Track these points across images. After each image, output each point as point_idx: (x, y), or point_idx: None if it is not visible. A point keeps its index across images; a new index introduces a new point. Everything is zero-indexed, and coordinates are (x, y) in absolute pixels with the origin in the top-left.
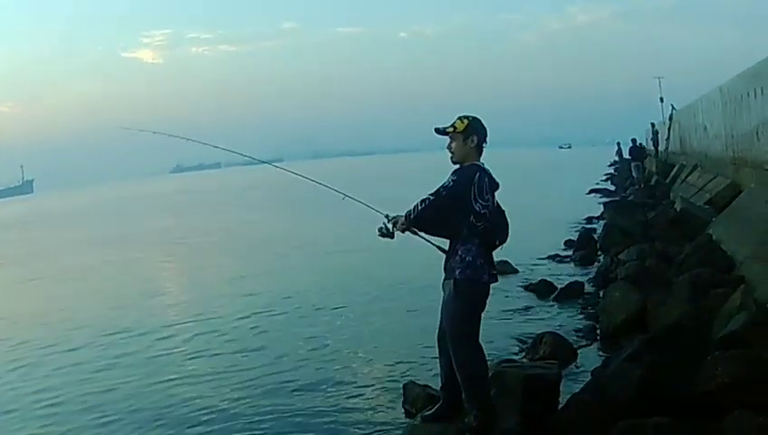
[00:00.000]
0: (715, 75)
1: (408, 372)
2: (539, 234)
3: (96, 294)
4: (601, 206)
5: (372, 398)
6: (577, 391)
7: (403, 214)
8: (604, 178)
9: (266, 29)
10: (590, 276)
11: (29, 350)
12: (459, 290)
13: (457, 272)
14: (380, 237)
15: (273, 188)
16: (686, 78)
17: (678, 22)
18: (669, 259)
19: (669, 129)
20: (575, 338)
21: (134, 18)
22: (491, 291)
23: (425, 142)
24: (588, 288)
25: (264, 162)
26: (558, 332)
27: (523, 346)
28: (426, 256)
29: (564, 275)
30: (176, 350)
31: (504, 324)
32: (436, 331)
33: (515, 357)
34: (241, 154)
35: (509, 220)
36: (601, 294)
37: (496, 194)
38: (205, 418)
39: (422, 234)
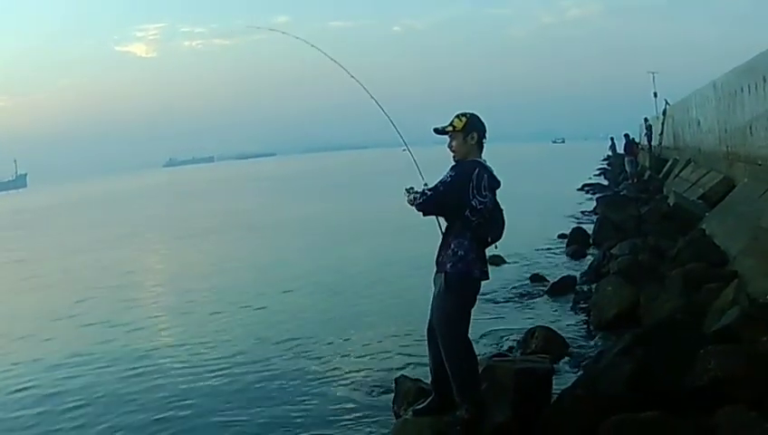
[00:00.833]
0: (709, 70)
1: (399, 366)
2: (532, 228)
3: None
4: (594, 200)
5: (364, 391)
6: (569, 385)
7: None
8: (597, 172)
9: (259, 23)
10: (583, 270)
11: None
12: (450, 284)
13: (448, 265)
14: (406, 199)
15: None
16: (679, 73)
17: (672, 17)
18: (662, 254)
19: (663, 123)
20: (567, 332)
21: (127, 12)
22: (483, 284)
23: (419, 136)
24: (580, 282)
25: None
26: (550, 326)
27: (515, 340)
28: (419, 247)
29: (557, 269)
30: (156, 339)
31: (496, 318)
32: (427, 324)
33: (507, 351)
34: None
35: (506, 219)
36: (594, 289)
37: (497, 192)
38: (187, 411)
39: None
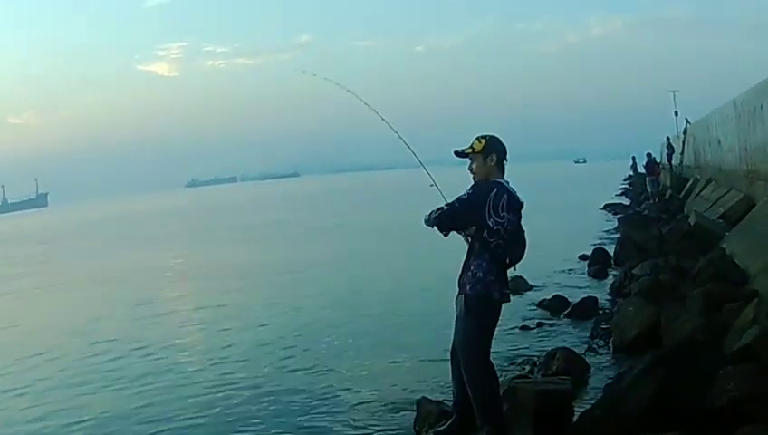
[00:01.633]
0: (730, 88)
1: (421, 388)
2: (553, 248)
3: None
4: (616, 220)
5: (385, 413)
6: (589, 406)
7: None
8: (619, 192)
9: (282, 42)
10: (605, 291)
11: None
12: (469, 306)
13: (468, 287)
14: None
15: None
16: (700, 91)
17: (693, 35)
18: (683, 273)
19: (683, 142)
20: (588, 353)
21: (150, 31)
22: (504, 305)
23: (442, 157)
24: (601, 303)
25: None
26: (571, 347)
27: (536, 362)
28: (444, 266)
29: (578, 289)
30: (181, 360)
31: (517, 340)
32: (451, 346)
33: (528, 373)
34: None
35: (527, 240)
36: (615, 309)
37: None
38: (211, 429)
39: None
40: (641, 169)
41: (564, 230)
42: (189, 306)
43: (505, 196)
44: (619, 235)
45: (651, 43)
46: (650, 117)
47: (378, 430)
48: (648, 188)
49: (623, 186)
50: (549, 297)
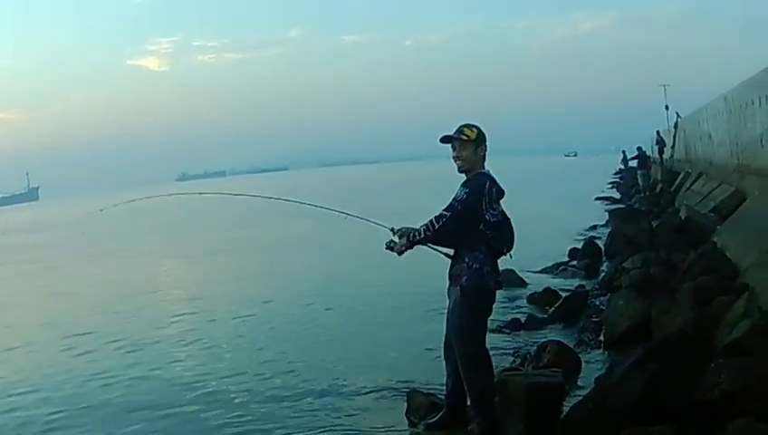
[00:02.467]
0: (721, 83)
1: (411, 380)
2: (544, 242)
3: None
4: (606, 214)
5: (375, 405)
6: (580, 399)
7: (415, 226)
8: (609, 186)
9: (272, 37)
10: (595, 284)
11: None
12: (466, 297)
13: (464, 279)
14: (387, 250)
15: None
16: (691, 86)
17: (684, 29)
18: (674, 267)
19: (674, 136)
20: (578, 346)
21: (140, 26)
22: (495, 299)
23: (430, 151)
24: (592, 296)
25: None
26: (561, 340)
27: (527, 355)
28: (430, 262)
29: (568, 283)
30: (171, 349)
31: (508, 333)
32: (443, 338)
33: (519, 365)
34: None
35: (514, 227)
36: (605, 303)
37: (502, 201)
38: (202, 424)
39: (429, 246)
40: (631, 163)
41: (555, 223)
42: (176, 299)
43: (495, 187)
44: (609, 228)
45: (641, 39)
46: (641, 111)
47: (368, 423)
48: (640, 181)
49: (614, 179)
50: (539, 290)
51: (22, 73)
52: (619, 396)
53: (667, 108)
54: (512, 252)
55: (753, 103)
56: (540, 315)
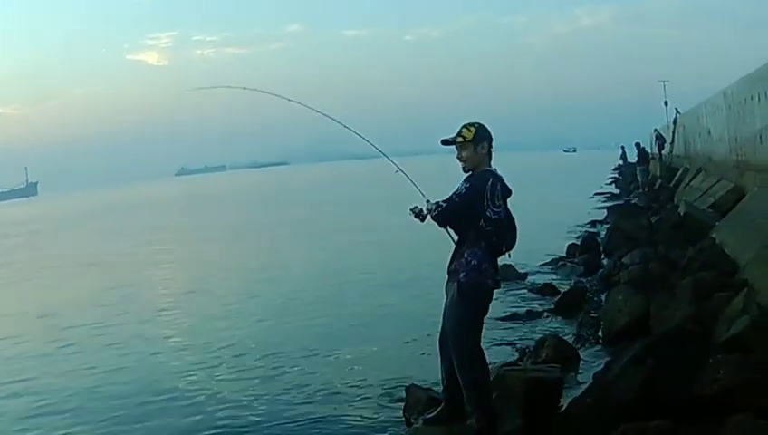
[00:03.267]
0: (720, 79)
1: (410, 375)
2: (543, 237)
3: None
4: (605, 210)
5: (374, 400)
6: (579, 394)
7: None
8: (609, 181)
9: (272, 31)
10: (594, 280)
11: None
12: (463, 293)
13: (462, 275)
14: (412, 216)
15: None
16: (690, 82)
17: (684, 25)
18: (673, 263)
19: (673, 132)
20: (577, 342)
21: (139, 20)
22: (494, 295)
23: (432, 146)
24: (591, 292)
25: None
26: (560, 335)
27: (526, 350)
28: (430, 254)
29: (567, 278)
30: (167, 349)
31: (507, 328)
32: (439, 333)
33: (517, 360)
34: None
35: (517, 227)
36: (604, 298)
37: (508, 200)
38: (198, 417)
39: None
40: (631, 159)
41: (554, 219)
42: (170, 296)
43: (499, 185)
44: (608, 224)
45: (641, 34)
46: (640, 107)
47: (367, 418)
48: (639, 177)
49: (612, 175)
50: (538, 286)
51: (21, 69)
52: (617, 391)
53: (666, 104)
54: (512, 251)
55: (752, 99)
56: (538, 310)
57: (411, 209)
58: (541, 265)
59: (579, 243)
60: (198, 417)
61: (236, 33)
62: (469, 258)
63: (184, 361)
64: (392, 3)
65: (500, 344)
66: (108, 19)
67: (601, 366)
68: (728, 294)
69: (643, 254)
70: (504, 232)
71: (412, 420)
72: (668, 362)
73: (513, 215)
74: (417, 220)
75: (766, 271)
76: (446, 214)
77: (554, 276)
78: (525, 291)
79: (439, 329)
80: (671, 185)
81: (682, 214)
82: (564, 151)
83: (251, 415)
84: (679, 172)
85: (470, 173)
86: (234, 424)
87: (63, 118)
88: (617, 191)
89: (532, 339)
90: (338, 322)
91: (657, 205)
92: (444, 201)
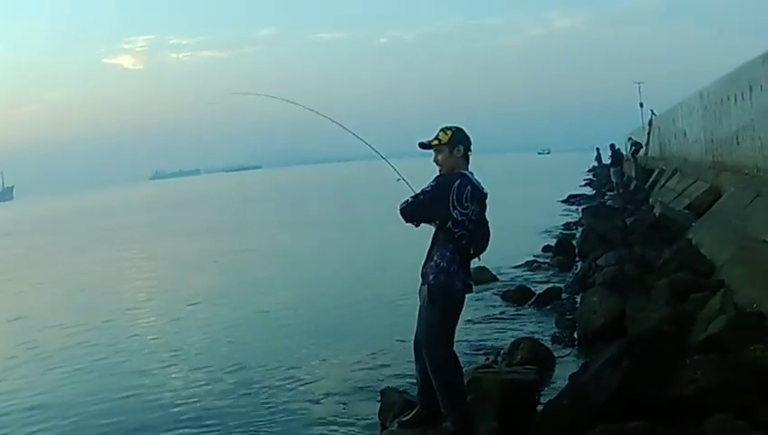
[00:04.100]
0: (696, 80)
1: (385, 378)
2: (517, 239)
3: None
4: (580, 211)
5: (348, 403)
6: (555, 396)
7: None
8: (583, 183)
9: (247, 34)
10: (568, 282)
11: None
12: (433, 296)
13: (431, 277)
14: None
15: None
16: (666, 83)
17: (659, 26)
18: (648, 264)
19: (649, 134)
20: (553, 344)
21: (115, 24)
22: (467, 296)
23: (407, 149)
24: (565, 294)
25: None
26: (535, 337)
27: (501, 352)
28: (407, 259)
29: (542, 280)
30: (138, 351)
31: (482, 330)
32: (414, 337)
33: (492, 363)
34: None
35: (491, 230)
36: (579, 300)
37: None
38: (167, 425)
39: None
40: (605, 161)
41: (528, 221)
42: (148, 300)
43: (469, 187)
44: (582, 226)
45: (616, 36)
46: (615, 109)
47: (342, 421)
48: (613, 179)
49: (587, 177)
50: (513, 288)
51: None
52: (594, 393)
53: (641, 105)
54: (482, 255)
55: (728, 100)
56: (513, 312)
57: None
58: (515, 267)
59: (553, 244)
60: (156, 418)
61: (212, 36)
62: (438, 261)
63: (151, 365)
64: (366, 6)
65: (474, 346)
66: (84, 23)
67: (577, 368)
68: (705, 294)
69: (618, 255)
70: (475, 235)
71: (387, 424)
72: (645, 363)
73: (487, 216)
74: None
75: (743, 272)
76: (410, 208)
77: (529, 278)
78: (499, 293)
79: (413, 332)
80: (646, 186)
81: (657, 215)
82: (539, 154)
83: (223, 420)
84: (655, 173)
85: (439, 174)
86: (203, 425)
87: (39, 122)
88: (591, 193)
89: (506, 341)
90: (311, 324)
91: (633, 206)
92: (412, 197)
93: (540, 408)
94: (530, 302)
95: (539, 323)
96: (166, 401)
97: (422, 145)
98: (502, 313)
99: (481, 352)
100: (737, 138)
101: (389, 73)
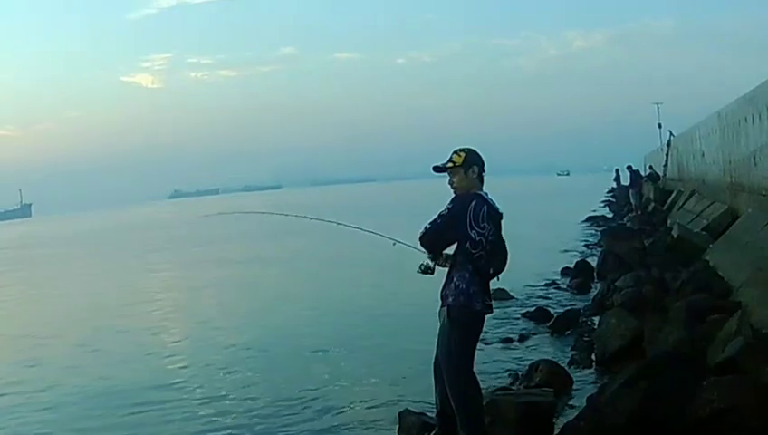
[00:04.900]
0: (715, 100)
1: (403, 399)
2: (536, 261)
3: None
4: (599, 233)
5: (367, 424)
6: (572, 418)
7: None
8: (602, 204)
9: (265, 54)
10: (587, 303)
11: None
12: (452, 317)
13: (450, 299)
14: (421, 273)
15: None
16: (684, 104)
17: (677, 47)
18: (666, 286)
19: (667, 155)
20: (570, 365)
21: (134, 43)
22: (486, 318)
23: (424, 170)
24: (584, 315)
25: None
26: (553, 359)
27: (519, 374)
28: (422, 281)
29: (561, 302)
30: (169, 367)
31: (500, 352)
32: (433, 358)
33: (510, 385)
34: None
35: (508, 250)
36: (597, 321)
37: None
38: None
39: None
40: (624, 182)
41: (547, 243)
42: (166, 316)
43: (485, 206)
44: (601, 247)
45: (634, 57)
46: (634, 130)
47: None
48: (632, 200)
49: (606, 198)
50: (531, 310)
51: (16, 90)
52: (611, 414)
53: (660, 126)
54: (501, 274)
55: (746, 121)
56: (531, 334)
57: (420, 266)
58: (534, 289)
59: (572, 266)
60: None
61: (230, 55)
62: (458, 282)
63: (166, 376)
64: (384, 28)
65: (492, 368)
66: (103, 41)
67: (595, 389)
68: (722, 316)
69: (636, 277)
70: (493, 255)
71: None
72: (662, 385)
73: (506, 238)
74: (429, 274)
75: (760, 293)
76: (430, 234)
77: (547, 300)
78: (518, 314)
79: (434, 354)
80: (664, 208)
81: (675, 236)
82: (558, 175)
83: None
84: (673, 195)
85: (455, 196)
86: None
87: (58, 140)
88: (610, 214)
89: (525, 363)
90: (330, 346)
91: (651, 227)
92: (429, 223)
93: (557, 430)
94: (548, 324)
95: (557, 344)
96: (169, 415)
97: (436, 169)
98: (520, 335)
99: (499, 374)
100: (754, 158)
101: (407, 94)
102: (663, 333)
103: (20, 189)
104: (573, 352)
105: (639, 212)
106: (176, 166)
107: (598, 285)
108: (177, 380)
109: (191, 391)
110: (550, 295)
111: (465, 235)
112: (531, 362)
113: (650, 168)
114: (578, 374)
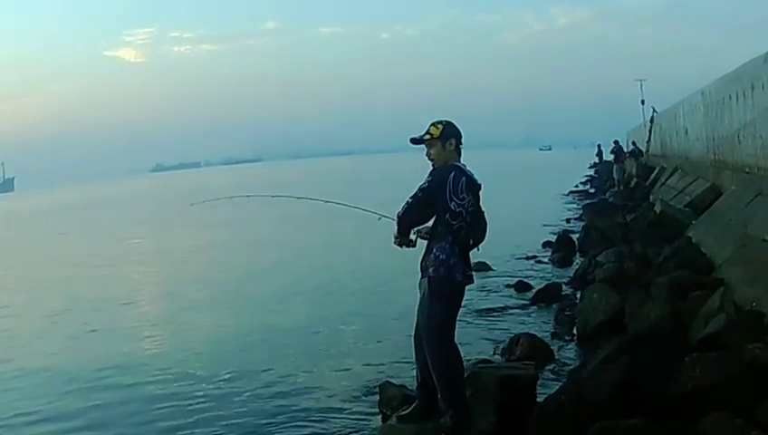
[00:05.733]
0: (698, 78)
1: (384, 372)
2: (517, 235)
3: None
4: (581, 207)
5: (347, 398)
6: (553, 392)
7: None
8: (584, 180)
9: (248, 28)
10: (568, 278)
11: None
12: (433, 288)
13: (431, 270)
14: (398, 246)
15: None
16: (668, 80)
17: (661, 25)
18: (648, 261)
19: (650, 131)
20: (552, 339)
21: (116, 17)
22: (467, 291)
23: (406, 144)
24: (565, 290)
25: None
26: (534, 333)
27: (500, 347)
28: (408, 252)
29: (542, 276)
30: (140, 350)
31: (481, 325)
32: (413, 330)
33: (491, 358)
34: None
35: (488, 221)
36: (579, 296)
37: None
38: (174, 419)
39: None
40: (606, 157)
41: (528, 217)
42: (150, 297)
43: (464, 178)
44: (583, 222)
45: (618, 34)
46: (617, 106)
47: (341, 415)
48: (615, 175)
49: (588, 173)
50: (513, 283)
51: None
52: (592, 389)
53: (643, 102)
54: (481, 245)
55: (730, 99)
56: (512, 308)
57: (395, 243)
58: (515, 262)
59: (553, 240)
60: (165, 416)
61: (213, 29)
62: (438, 253)
63: (152, 360)
64: (368, 1)
65: (474, 341)
66: (85, 16)
67: (576, 364)
68: (704, 292)
69: (618, 252)
70: (472, 225)
71: (388, 414)
72: (644, 361)
73: (488, 212)
74: (410, 247)
75: (742, 270)
76: (412, 208)
77: (529, 273)
78: (499, 287)
79: (413, 326)
80: (647, 183)
81: (658, 212)
82: (540, 150)
83: (221, 410)
84: (656, 171)
85: (433, 169)
86: (207, 418)
87: (41, 114)
88: (592, 190)
89: (506, 336)
90: (310, 319)
91: (633, 203)
92: (410, 197)
93: (538, 403)
94: (529, 297)
95: (538, 318)
96: (162, 400)
97: (414, 141)
98: (501, 307)
99: (480, 346)
100: (738, 136)
101: (390, 67)
102: (645, 308)
103: (2, 163)
104: (555, 326)
105: (622, 187)
106: (158, 139)
107: (579, 259)
108: (147, 361)
109: (163, 371)
110: (531, 269)
111: (445, 206)
112: (511, 334)
113: (633, 144)
114: (559, 348)
